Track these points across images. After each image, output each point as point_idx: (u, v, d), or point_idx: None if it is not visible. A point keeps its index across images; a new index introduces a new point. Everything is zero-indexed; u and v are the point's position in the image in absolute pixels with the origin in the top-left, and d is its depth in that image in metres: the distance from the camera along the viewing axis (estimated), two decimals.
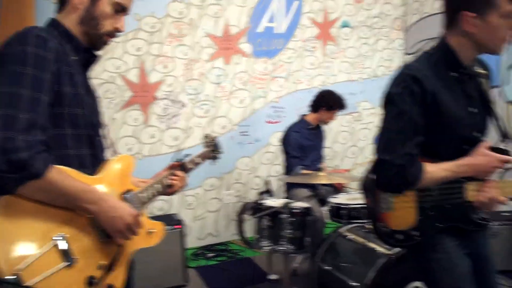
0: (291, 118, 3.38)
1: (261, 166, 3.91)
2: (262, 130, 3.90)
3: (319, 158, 3.29)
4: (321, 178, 2.57)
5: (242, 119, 3.84)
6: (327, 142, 4.24)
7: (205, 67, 3.66)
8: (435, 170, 1.29)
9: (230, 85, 3.77)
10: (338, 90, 4.26)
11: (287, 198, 2.86)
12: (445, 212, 1.34)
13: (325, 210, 2.82)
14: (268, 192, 2.68)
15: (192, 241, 3.62)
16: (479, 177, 1.33)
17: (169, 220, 2.98)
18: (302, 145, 3.13)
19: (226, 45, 3.72)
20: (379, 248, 2.15)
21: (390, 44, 4.54)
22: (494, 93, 3.67)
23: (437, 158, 1.32)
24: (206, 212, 3.75)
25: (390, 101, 1.33)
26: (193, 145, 3.56)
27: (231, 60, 3.75)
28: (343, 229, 2.47)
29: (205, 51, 3.65)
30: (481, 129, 1.40)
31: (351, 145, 4.41)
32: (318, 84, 4.11)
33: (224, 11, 3.69)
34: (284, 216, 2.41)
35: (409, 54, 4.48)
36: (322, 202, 2.96)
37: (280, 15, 3.92)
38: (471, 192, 1.33)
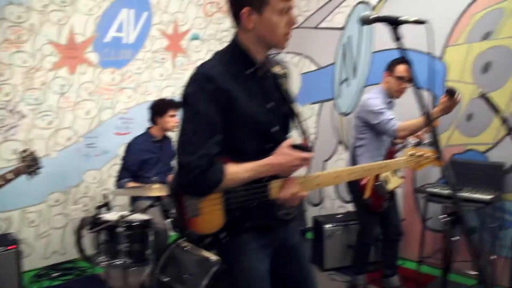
0: (140, 129, 3.78)
1: (110, 179, 4.23)
2: (110, 142, 4.23)
3: (166, 170, 3.74)
4: (153, 191, 2.85)
5: (89, 131, 4.13)
6: None
7: (48, 76, 3.85)
8: (238, 171, 1.43)
9: (75, 95, 4.03)
10: None
11: (132, 211, 3.15)
12: (251, 211, 1.48)
13: (169, 221, 3.19)
14: (106, 206, 2.91)
15: (35, 262, 3.77)
16: (282, 175, 1.49)
17: (3, 240, 2.97)
18: (144, 158, 3.55)
19: (70, 53, 3.98)
20: (213, 257, 2.46)
21: None
22: (331, 105, 4.71)
23: (244, 156, 1.46)
24: (51, 229, 3.92)
25: (186, 101, 1.44)
26: None
27: (76, 70, 4.01)
28: (182, 240, 2.74)
29: (47, 59, 3.84)
30: (282, 127, 1.58)
31: None
32: (168, 95, 4.57)
33: (69, 18, 3.94)
34: (120, 230, 2.68)
35: None
36: (167, 213, 3.31)
37: (129, 26, 4.32)
38: (275, 190, 1.49)
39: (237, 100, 1.44)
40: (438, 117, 2.78)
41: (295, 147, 1.50)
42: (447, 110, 2.73)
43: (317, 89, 4.76)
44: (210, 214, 1.47)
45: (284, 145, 1.48)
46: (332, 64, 4.62)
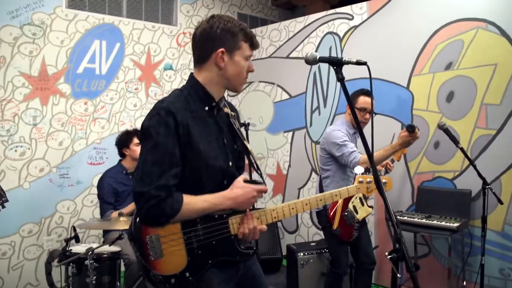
0: (114, 159, 3.79)
1: (84, 209, 4.22)
2: (84, 172, 4.22)
3: None
4: (121, 224, 2.83)
5: (62, 161, 4.12)
6: None
7: (20, 107, 3.86)
8: (195, 201, 1.49)
9: (48, 126, 4.03)
10: None
11: (104, 242, 3.14)
12: (212, 248, 1.52)
13: None
14: (75, 238, 2.89)
15: None
16: (240, 208, 1.55)
17: None
18: (117, 190, 3.55)
19: (42, 85, 3.99)
20: None
21: None
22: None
23: (202, 192, 1.52)
24: (24, 261, 3.88)
25: (146, 134, 1.49)
26: (7, 190, 3.63)
27: (48, 101, 4.02)
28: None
29: (18, 91, 3.85)
30: (237, 163, 1.67)
31: None
32: None
33: (40, 50, 3.97)
34: (89, 262, 2.68)
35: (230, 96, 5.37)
36: None
37: (101, 56, 4.36)
38: (235, 226, 1.56)
39: (194, 136, 1.51)
40: (397, 150, 2.84)
41: (249, 181, 1.58)
42: (405, 144, 2.80)
43: (290, 118, 4.81)
44: (173, 255, 1.50)
45: (239, 179, 1.58)
46: (304, 93, 4.67)
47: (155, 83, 4.79)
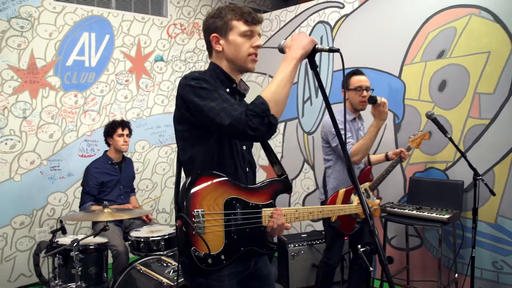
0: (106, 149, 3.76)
1: (76, 201, 4.17)
2: (75, 164, 4.17)
3: (126, 192, 3.70)
4: (106, 215, 2.75)
5: (53, 154, 4.06)
6: (146, 173, 4.71)
7: (9, 100, 3.80)
8: (270, 84, 1.45)
9: (38, 119, 3.97)
10: (154, 122, 4.77)
11: (93, 233, 3.08)
12: (245, 236, 1.53)
13: (128, 243, 3.16)
14: (61, 230, 2.87)
15: (1, 285, 3.72)
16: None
17: None
18: (102, 181, 3.52)
19: (32, 78, 3.92)
20: (165, 280, 2.50)
21: None
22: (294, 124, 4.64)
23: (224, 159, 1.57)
24: (17, 252, 3.86)
25: (195, 91, 1.46)
26: None
27: (38, 94, 3.95)
28: (138, 263, 2.77)
29: (7, 84, 3.79)
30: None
31: (171, 176, 4.95)
32: (133, 117, 4.56)
33: (29, 43, 3.89)
34: (74, 253, 2.67)
35: None
36: (126, 235, 3.31)
37: (90, 49, 4.27)
38: (266, 218, 1.58)
39: None
40: (379, 129, 2.78)
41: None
42: (379, 117, 2.76)
43: None
44: (213, 234, 1.47)
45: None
46: (295, 83, 4.54)
47: (146, 75, 4.70)
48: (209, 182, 1.49)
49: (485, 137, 3.22)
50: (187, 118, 1.52)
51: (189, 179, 1.48)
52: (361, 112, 3.07)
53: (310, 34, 4.38)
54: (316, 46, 1.47)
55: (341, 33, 4.13)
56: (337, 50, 1.42)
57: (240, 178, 1.61)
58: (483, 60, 3.21)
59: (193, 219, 1.43)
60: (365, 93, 2.93)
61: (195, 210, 1.44)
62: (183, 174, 1.63)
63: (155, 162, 4.81)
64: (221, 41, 1.59)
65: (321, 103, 4.34)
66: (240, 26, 1.58)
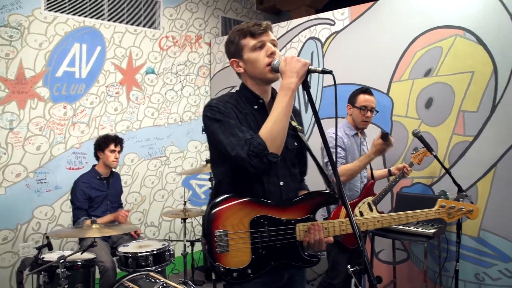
0: (94, 163, 3.79)
1: (63, 214, 4.18)
2: (63, 177, 4.17)
3: (112, 207, 3.73)
4: (93, 231, 2.81)
5: (39, 166, 4.07)
6: (134, 186, 4.74)
7: None
8: (266, 122, 1.57)
9: (25, 130, 3.98)
10: (144, 135, 4.78)
11: (80, 249, 3.08)
12: (276, 251, 1.61)
13: (116, 258, 3.19)
14: (47, 246, 2.88)
15: None
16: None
17: None
18: (90, 196, 3.55)
19: (20, 88, 3.94)
20: None
21: (196, 90, 5.35)
22: None
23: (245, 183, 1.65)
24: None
25: (211, 119, 1.63)
26: None
27: (26, 105, 3.97)
28: (126, 279, 2.75)
29: None
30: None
31: (160, 189, 5.02)
32: (122, 129, 4.61)
33: (18, 52, 3.91)
34: (60, 270, 2.66)
35: None
36: (114, 251, 3.33)
37: (81, 60, 4.32)
38: (301, 232, 1.63)
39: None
40: (372, 159, 2.86)
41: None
42: (379, 152, 2.83)
43: None
44: (238, 251, 1.58)
45: None
46: None
47: (136, 87, 4.77)
48: (231, 203, 1.61)
49: (469, 153, 3.38)
50: (210, 142, 1.69)
51: (211, 203, 1.61)
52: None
53: (301, 50, 4.54)
54: (309, 67, 1.53)
55: (331, 50, 4.26)
56: (330, 72, 1.50)
57: (273, 194, 1.68)
58: (467, 79, 3.39)
59: (215, 238, 1.56)
60: (369, 113, 3.06)
61: (217, 231, 1.57)
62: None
63: (144, 175, 4.85)
64: (240, 63, 1.70)
65: (310, 117, 4.46)
66: (249, 42, 1.66)
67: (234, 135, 1.56)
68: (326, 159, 2.94)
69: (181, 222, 3.95)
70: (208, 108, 1.66)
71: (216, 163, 1.74)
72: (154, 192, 4.96)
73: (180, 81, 5.15)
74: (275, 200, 1.67)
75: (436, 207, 1.91)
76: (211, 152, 1.76)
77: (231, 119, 1.61)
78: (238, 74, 1.76)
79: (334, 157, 1.54)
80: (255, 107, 1.71)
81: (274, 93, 1.76)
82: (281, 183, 1.71)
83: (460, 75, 3.43)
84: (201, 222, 4.95)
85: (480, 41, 3.33)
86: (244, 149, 1.51)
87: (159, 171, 5.00)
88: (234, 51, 1.71)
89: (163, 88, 4.96)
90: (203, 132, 1.78)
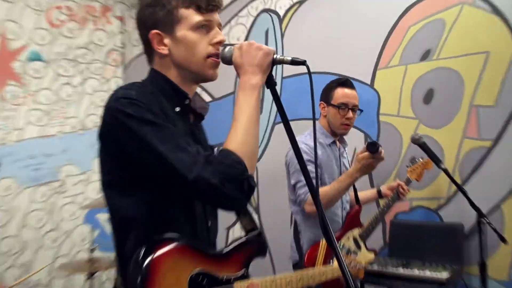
0: None
1: None
2: None
3: None
4: None
5: None
6: (11, 229, 4.39)
7: None
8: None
9: None
10: (26, 150, 4.39)
11: None
12: None
13: None
14: None
15: None
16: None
17: None
18: None
19: None
20: None
21: (104, 84, 5.10)
22: None
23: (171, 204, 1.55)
24: None
25: (138, 122, 1.43)
26: None
27: None
28: None
29: None
30: None
31: (50, 230, 4.65)
32: None
33: None
34: None
35: None
36: None
37: None
38: None
39: None
40: (357, 178, 2.72)
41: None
42: (367, 169, 2.68)
43: (214, 126, 4.47)
44: None
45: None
46: (231, 94, 4.57)
47: (13, 80, 4.46)
48: (167, 249, 1.46)
49: (488, 163, 3.25)
50: (118, 159, 1.49)
51: (142, 251, 1.42)
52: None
53: (251, 27, 4.48)
54: (275, 57, 1.47)
55: (293, 26, 4.19)
56: (303, 63, 1.44)
57: (200, 235, 1.61)
58: (480, 62, 3.29)
59: None
60: (350, 113, 2.93)
61: None
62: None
63: (27, 210, 4.48)
64: (166, 40, 1.55)
65: (266, 120, 4.34)
66: (191, 16, 1.53)
67: (181, 149, 1.40)
68: (293, 181, 2.88)
69: (86, 279, 3.69)
70: (126, 101, 1.43)
71: (121, 191, 1.53)
72: (41, 234, 4.61)
73: (81, 72, 4.91)
74: (203, 247, 1.60)
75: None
76: (109, 172, 1.55)
77: (168, 122, 1.46)
78: (155, 55, 1.60)
79: (311, 176, 1.47)
80: (177, 109, 1.57)
81: (197, 100, 1.69)
82: (209, 224, 1.67)
83: (470, 57, 3.33)
84: (114, 277, 4.61)
85: (495, 10, 3.23)
86: (207, 170, 1.37)
87: (50, 202, 4.68)
88: (162, 19, 1.54)
89: (55, 82, 4.70)
90: (101, 138, 1.51)
